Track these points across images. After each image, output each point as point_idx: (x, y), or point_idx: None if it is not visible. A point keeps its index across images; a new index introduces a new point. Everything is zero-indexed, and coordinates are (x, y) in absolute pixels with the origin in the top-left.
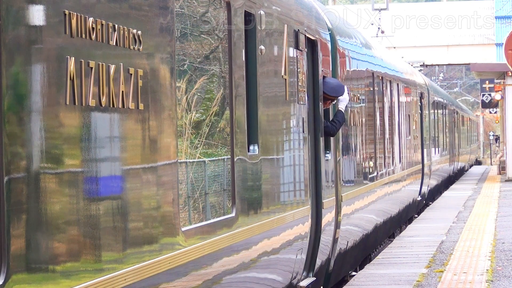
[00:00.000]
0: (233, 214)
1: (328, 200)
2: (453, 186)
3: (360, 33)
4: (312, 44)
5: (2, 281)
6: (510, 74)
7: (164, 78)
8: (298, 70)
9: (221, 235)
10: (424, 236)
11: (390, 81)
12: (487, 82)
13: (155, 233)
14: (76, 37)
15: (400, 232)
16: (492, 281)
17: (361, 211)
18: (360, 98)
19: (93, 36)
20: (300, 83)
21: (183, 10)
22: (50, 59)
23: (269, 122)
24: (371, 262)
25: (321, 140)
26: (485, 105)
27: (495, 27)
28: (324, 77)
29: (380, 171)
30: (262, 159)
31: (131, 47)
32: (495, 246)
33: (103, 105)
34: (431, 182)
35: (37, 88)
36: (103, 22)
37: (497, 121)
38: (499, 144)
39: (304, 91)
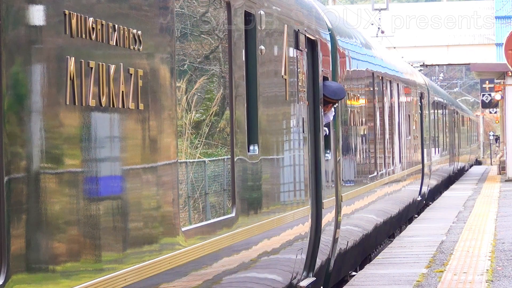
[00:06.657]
0: (233, 214)
1: (328, 200)
2: (453, 186)
3: (360, 33)
4: (312, 44)
5: (2, 281)
6: (510, 74)
7: (164, 78)
8: (298, 70)
9: (221, 235)
10: (424, 236)
11: (390, 81)
12: (487, 82)
13: (155, 233)
14: (76, 37)
15: (400, 232)
16: (492, 281)
17: (361, 211)
18: (360, 98)
19: (93, 36)
20: (300, 83)
21: (183, 10)
22: (50, 59)
23: (269, 122)
24: (371, 262)
25: (321, 140)
26: (485, 105)
27: (495, 27)
28: (324, 79)
29: (380, 171)
30: (262, 159)
31: (131, 47)
32: (495, 246)
33: (103, 105)
34: (431, 182)
35: (37, 88)
36: (103, 22)
37: (497, 121)
38: (499, 144)
39: (304, 91)
